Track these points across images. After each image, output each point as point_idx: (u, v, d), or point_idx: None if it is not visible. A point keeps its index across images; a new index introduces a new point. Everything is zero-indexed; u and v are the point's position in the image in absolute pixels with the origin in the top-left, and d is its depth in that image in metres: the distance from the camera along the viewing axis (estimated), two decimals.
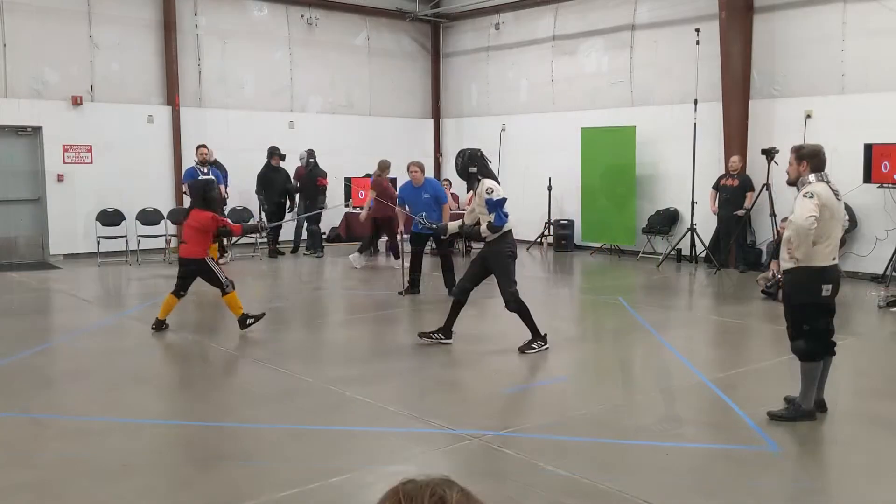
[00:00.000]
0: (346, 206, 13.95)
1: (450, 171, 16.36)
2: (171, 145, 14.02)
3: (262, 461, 4.56)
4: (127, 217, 12.94)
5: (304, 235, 14.37)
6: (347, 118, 16.16)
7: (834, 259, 5.14)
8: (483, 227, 6.87)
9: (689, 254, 12.68)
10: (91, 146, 13.17)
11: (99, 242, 12.47)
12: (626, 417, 5.31)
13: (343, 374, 6.34)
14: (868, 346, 7.50)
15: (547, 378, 6.37)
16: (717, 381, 6.09)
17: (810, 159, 5.12)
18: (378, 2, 16.37)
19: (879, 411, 5.50)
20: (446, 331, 7.19)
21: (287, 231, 14.33)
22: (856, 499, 4.18)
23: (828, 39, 11.44)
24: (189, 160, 13.16)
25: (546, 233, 14.82)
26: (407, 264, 10.19)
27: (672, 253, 12.87)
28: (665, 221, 13.37)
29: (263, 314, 7.78)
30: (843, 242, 5.65)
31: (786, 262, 5.16)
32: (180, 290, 7.72)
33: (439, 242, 9.95)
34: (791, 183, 5.27)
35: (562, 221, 14.62)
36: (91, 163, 13.05)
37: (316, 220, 13.98)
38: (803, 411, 5.16)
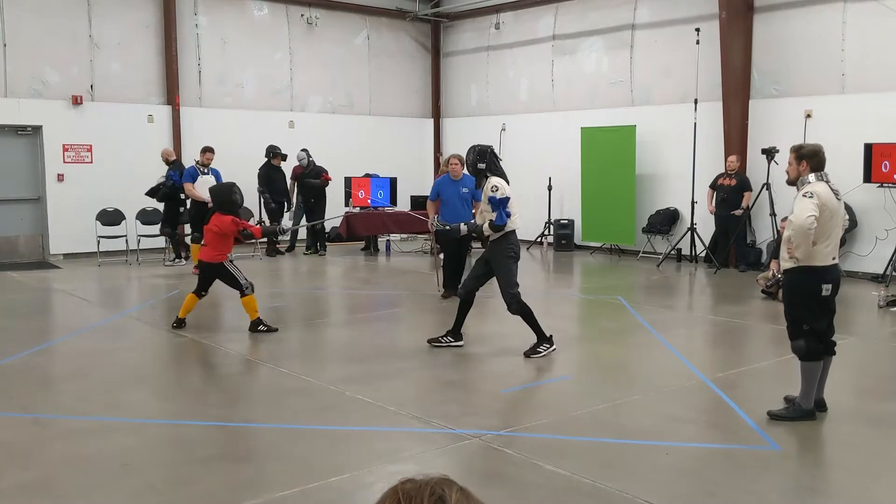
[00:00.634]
0: (347, 206, 13.97)
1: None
2: (171, 145, 14.00)
3: (262, 461, 4.56)
4: (127, 217, 12.95)
5: (302, 235, 14.37)
6: (347, 118, 16.17)
7: (834, 259, 5.15)
8: (485, 225, 6.82)
9: (689, 253, 12.69)
10: (91, 146, 13.17)
11: (99, 242, 12.47)
12: (626, 417, 5.31)
13: (343, 374, 6.35)
14: (868, 346, 7.50)
15: (547, 378, 6.37)
16: (718, 381, 6.09)
17: (810, 159, 5.12)
18: (378, 1, 16.38)
19: (879, 411, 5.50)
20: (455, 333, 7.09)
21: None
22: (856, 498, 4.18)
23: (828, 39, 11.44)
24: (190, 160, 13.16)
25: (546, 232, 14.82)
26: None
27: (672, 252, 12.87)
28: (665, 221, 13.37)
29: (276, 329, 7.76)
30: (843, 242, 5.65)
31: (786, 262, 5.16)
32: (201, 290, 7.77)
33: (460, 241, 9.58)
34: (791, 183, 5.27)
35: (562, 221, 14.62)
36: (91, 162, 13.06)
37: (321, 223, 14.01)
38: (803, 411, 5.16)
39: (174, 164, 12.45)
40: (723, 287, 10.85)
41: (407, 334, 8.18)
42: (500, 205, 6.66)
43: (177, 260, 12.50)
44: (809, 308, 5.14)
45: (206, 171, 12.04)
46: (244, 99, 14.91)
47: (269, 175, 13.65)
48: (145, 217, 13.13)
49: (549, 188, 14.62)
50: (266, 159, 13.71)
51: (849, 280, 9.90)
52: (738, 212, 11.84)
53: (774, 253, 9.42)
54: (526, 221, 13.94)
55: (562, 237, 14.55)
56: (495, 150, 7.02)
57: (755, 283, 10.01)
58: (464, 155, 9.30)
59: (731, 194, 11.92)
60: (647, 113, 13.60)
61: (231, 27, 14.67)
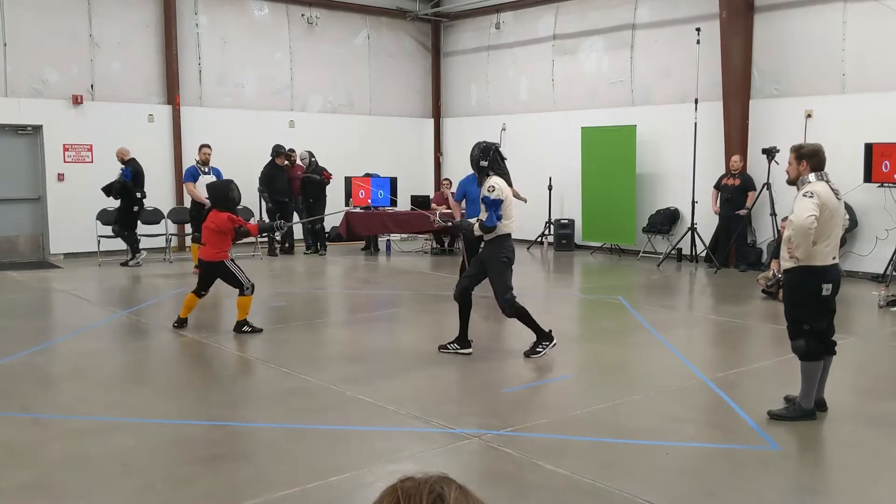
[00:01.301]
0: (347, 206, 13.97)
1: (450, 170, 16.39)
2: (171, 144, 14.03)
3: (262, 460, 4.56)
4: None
5: (300, 234, 14.37)
6: (348, 117, 16.17)
7: (834, 258, 5.14)
8: (476, 225, 6.67)
9: (689, 253, 12.68)
10: (91, 145, 13.18)
11: (99, 242, 12.46)
12: (626, 417, 5.30)
13: (343, 374, 6.34)
14: (868, 346, 7.50)
15: (547, 377, 6.36)
16: (718, 381, 6.09)
17: (810, 159, 5.12)
18: (378, 1, 16.38)
19: (880, 411, 5.50)
20: (462, 340, 6.90)
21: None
22: (856, 498, 4.18)
23: (828, 39, 11.44)
24: (189, 159, 13.17)
25: (546, 232, 14.82)
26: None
27: (672, 252, 12.87)
28: (665, 221, 13.37)
29: (261, 330, 7.74)
30: (843, 242, 5.65)
31: (786, 262, 5.16)
32: (201, 290, 7.74)
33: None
34: (791, 182, 5.27)
35: (562, 221, 14.62)
36: (91, 162, 13.06)
37: (319, 219, 14.00)
38: (804, 411, 5.16)
39: (129, 163, 12.30)
40: (723, 287, 10.85)
41: (407, 334, 8.19)
42: (493, 206, 6.48)
43: (131, 261, 12.26)
44: (810, 308, 5.14)
45: (206, 170, 12.03)
46: (244, 98, 14.91)
47: (272, 174, 13.63)
48: (146, 217, 13.12)
49: (550, 188, 14.62)
50: (270, 158, 13.69)
51: (849, 280, 9.89)
52: (743, 212, 11.84)
53: (775, 253, 9.42)
54: (526, 221, 14.00)
55: (562, 237, 14.55)
56: (500, 149, 6.79)
57: (755, 283, 10.00)
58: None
59: (734, 194, 11.91)
60: (647, 113, 13.59)
61: (231, 27, 14.67)
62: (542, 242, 14.95)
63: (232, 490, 4.15)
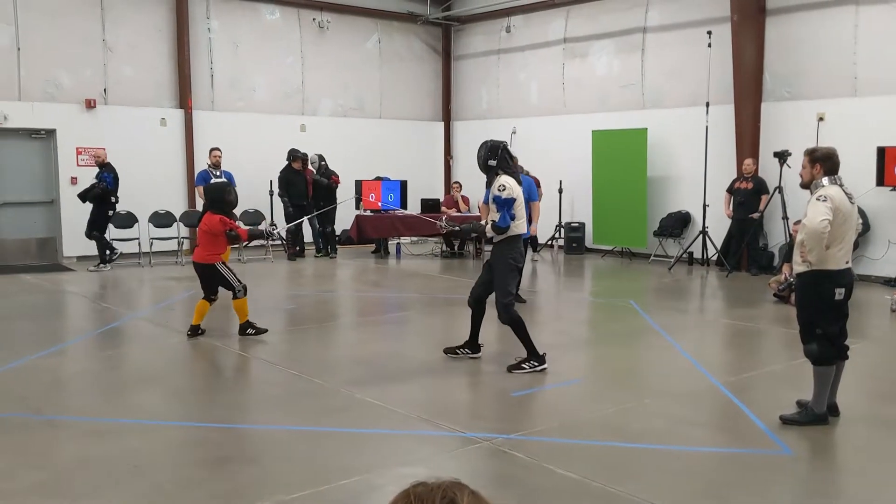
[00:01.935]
0: (357, 208, 14.00)
1: (461, 174, 16.40)
2: (183, 148, 14.10)
3: (272, 463, 4.57)
4: (139, 219, 13.02)
5: (309, 238, 14.40)
6: (358, 121, 16.21)
7: (847, 262, 5.11)
8: (488, 226, 6.50)
9: (700, 257, 12.64)
10: (104, 149, 13.24)
11: (112, 244, 12.53)
12: (636, 421, 5.29)
13: (353, 377, 6.35)
14: (881, 350, 7.45)
15: (557, 381, 6.35)
16: (729, 385, 6.07)
17: (824, 162, 5.10)
18: (389, 5, 16.42)
19: (892, 415, 5.47)
20: (472, 345, 6.78)
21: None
22: (868, 503, 4.16)
23: (840, 42, 11.38)
24: (202, 163, 13.24)
25: (557, 235, 14.80)
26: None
27: (684, 256, 12.83)
28: (676, 224, 13.33)
29: (266, 330, 7.74)
30: (855, 246, 5.62)
31: (799, 266, 5.13)
32: (210, 295, 7.70)
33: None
34: (804, 186, 5.24)
35: (573, 224, 14.60)
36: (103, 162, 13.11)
37: (330, 222, 14.02)
38: (816, 415, 5.13)
39: (107, 167, 12.29)
40: (734, 290, 10.80)
41: (416, 337, 8.19)
42: (505, 206, 6.27)
43: (101, 265, 12.21)
44: (822, 312, 5.11)
45: (217, 173, 12.09)
46: (256, 102, 14.97)
47: (289, 178, 13.67)
48: (158, 220, 13.20)
49: (560, 191, 14.60)
50: (287, 163, 13.74)
51: (861, 284, 9.83)
52: (756, 215, 11.79)
53: (787, 256, 9.38)
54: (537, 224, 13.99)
55: (573, 240, 14.53)
56: (508, 147, 6.57)
57: (767, 287, 9.96)
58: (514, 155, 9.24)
59: (748, 198, 11.86)
60: (658, 116, 13.56)
61: (243, 31, 14.74)
62: (552, 245, 14.94)
63: (241, 492, 4.16)
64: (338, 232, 14.49)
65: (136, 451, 4.77)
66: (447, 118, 17.58)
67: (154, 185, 13.50)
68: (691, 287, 11.47)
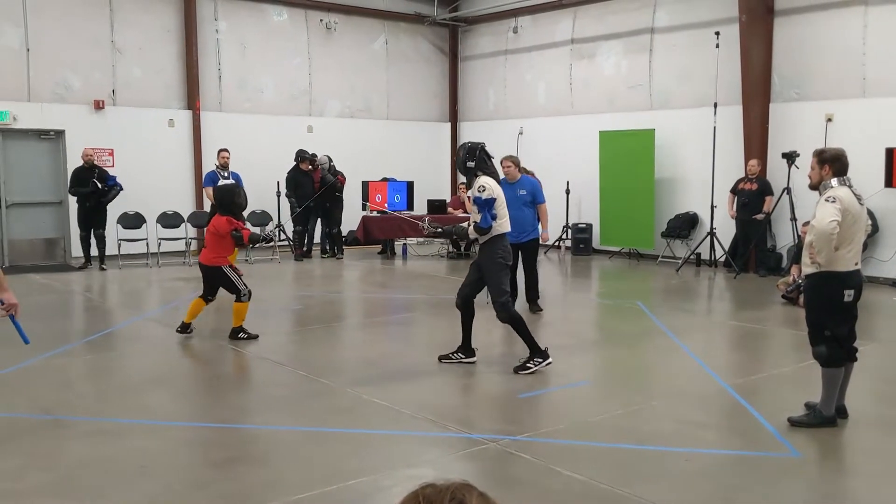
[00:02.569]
0: (364, 210, 14.02)
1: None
2: (191, 149, 14.15)
3: (280, 463, 4.58)
4: (148, 220, 13.06)
5: (317, 239, 14.43)
6: (365, 122, 16.23)
7: (856, 264, 5.09)
8: (470, 228, 6.50)
9: (708, 258, 12.61)
10: (113, 150, 13.31)
11: (120, 245, 12.58)
12: (644, 422, 5.27)
13: (360, 377, 6.36)
14: (890, 352, 7.41)
15: (564, 382, 6.34)
16: (737, 387, 6.05)
17: (832, 163, 5.08)
18: (396, 6, 16.44)
19: None
20: (466, 349, 6.75)
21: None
22: None
23: (849, 42, 11.34)
24: (209, 164, 13.28)
25: (564, 236, 14.78)
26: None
27: (691, 257, 12.80)
28: (684, 225, 13.30)
29: (257, 336, 7.70)
30: (864, 247, 5.59)
31: (807, 267, 5.11)
32: (208, 295, 7.72)
33: (524, 249, 8.83)
34: (813, 187, 5.22)
35: (580, 225, 14.58)
36: (113, 166, 13.18)
37: (336, 223, 14.04)
38: (824, 417, 5.11)
39: (102, 169, 12.43)
40: (743, 292, 10.77)
41: (423, 338, 8.19)
42: (486, 206, 6.27)
43: (88, 265, 12.36)
44: (831, 313, 5.09)
45: (225, 174, 12.12)
46: (264, 103, 15.01)
47: (297, 179, 13.70)
48: (166, 221, 13.24)
49: (567, 192, 14.59)
50: (294, 163, 13.76)
51: (870, 285, 9.78)
52: (760, 216, 11.75)
53: (795, 258, 9.34)
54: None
55: (580, 241, 14.51)
56: (486, 148, 6.58)
57: (775, 289, 9.92)
58: (515, 156, 9.08)
59: (752, 199, 11.82)
60: (666, 117, 13.54)
61: (251, 32, 14.78)
62: (559, 247, 14.92)
63: (249, 493, 4.17)
64: (344, 233, 14.50)
65: (143, 451, 4.78)
66: (454, 119, 17.58)
67: (162, 186, 13.54)
68: (699, 288, 11.44)
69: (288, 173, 13.76)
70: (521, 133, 15.87)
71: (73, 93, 13.05)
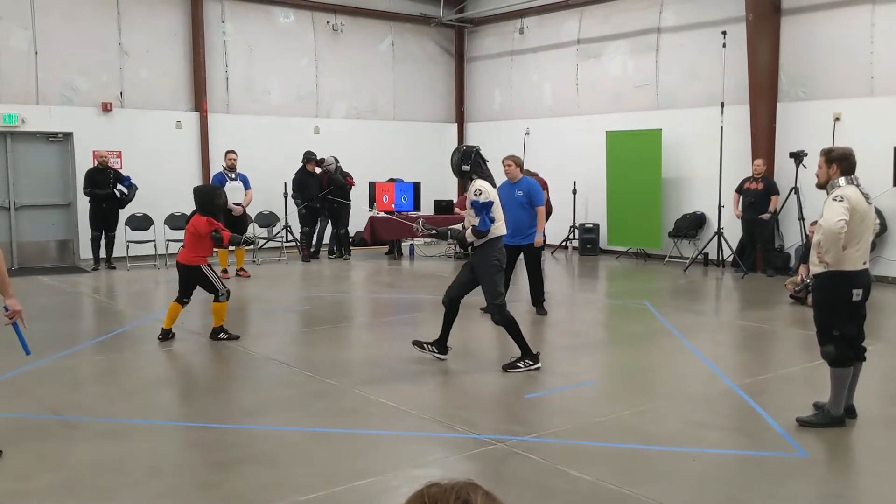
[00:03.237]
0: (371, 210, 14.03)
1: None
2: (198, 151, 14.19)
3: (287, 464, 4.58)
4: (155, 222, 13.10)
5: (326, 240, 14.45)
6: (372, 123, 16.25)
7: (865, 263, 5.07)
8: (468, 231, 6.52)
9: (716, 258, 12.57)
10: (120, 152, 13.37)
11: (128, 247, 12.63)
12: (651, 423, 5.26)
13: (366, 378, 6.37)
14: None
15: (572, 383, 6.33)
16: (745, 387, 6.03)
17: (840, 162, 5.06)
18: (403, 7, 16.45)
19: None
20: (440, 345, 6.79)
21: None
22: None
23: (856, 41, 11.30)
24: (217, 165, 13.31)
25: (571, 236, 14.76)
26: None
27: (699, 257, 12.76)
28: (692, 225, 13.27)
29: (238, 336, 7.72)
30: (872, 246, 5.57)
31: (815, 267, 5.10)
32: (183, 297, 7.69)
33: (525, 252, 8.78)
34: (820, 186, 5.20)
35: (587, 225, 14.56)
36: (121, 168, 13.23)
37: (343, 224, 14.05)
38: (833, 417, 5.09)
39: (116, 172, 12.61)
40: (750, 292, 10.74)
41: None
42: (483, 209, 6.30)
43: (101, 266, 12.49)
44: (839, 313, 5.07)
45: (233, 175, 12.15)
46: (270, 105, 15.04)
47: (304, 181, 13.72)
48: (173, 222, 13.27)
49: (574, 192, 14.57)
50: (301, 165, 13.79)
51: (878, 285, 9.75)
52: (766, 216, 11.71)
53: (803, 257, 9.30)
54: (551, 225, 13.96)
55: (587, 241, 14.49)
56: (481, 152, 6.61)
57: (783, 288, 9.89)
58: (517, 156, 9.02)
59: (758, 198, 11.78)
60: (672, 116, 13.51)
61: (258, 34, 14.82)
62: (566, 247, 14.90)
63: (257, 493, 4.18)
64: (351, 234, 14.52)
65: (151, 451, 4.80)
66: (460, 120, 17.58)
67: (169, 188, 13.57)
68: (706, 288, 11.41)
69: (295, 175, 13.79)
70: (527, 133, 15.87)
71: (81, 95, 13.11)
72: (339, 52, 15.76)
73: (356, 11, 15.85)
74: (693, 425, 5.22)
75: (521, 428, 5.15)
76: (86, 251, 13.04)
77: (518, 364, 6.47)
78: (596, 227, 14.48)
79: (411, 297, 10.67)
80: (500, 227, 6.51)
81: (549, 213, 13.74)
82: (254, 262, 13.11)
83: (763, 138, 12.11)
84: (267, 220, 13.96)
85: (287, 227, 13.90)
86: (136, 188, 12.59)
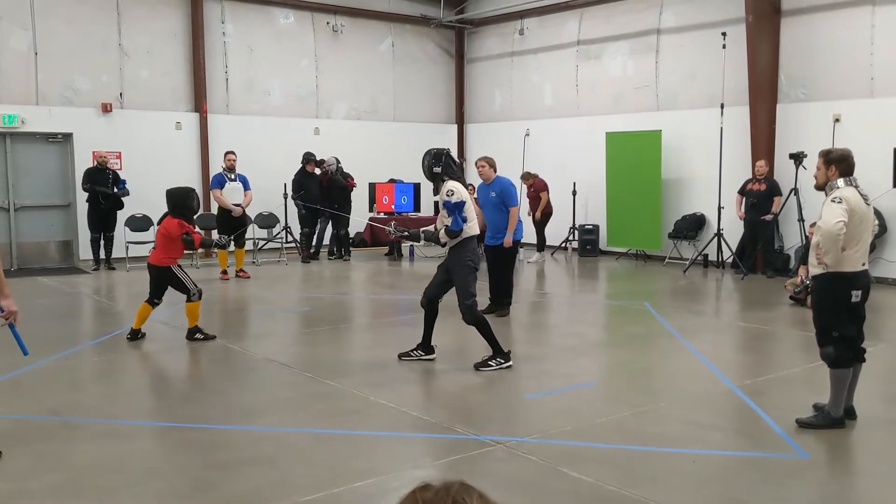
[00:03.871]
0: (371, 212, 14.03)
1: (473, 176, 16.37)
2: (198, 152, 14.19)
3: (286, 465, 4.58)
4: (155, 223, 13.08)
5: (326, 240, 14.45)
6: (372, 124, 16.25)
7: (864, 264, 5.08)
8: (441, 231, 6.59)
9: (716, 259, 12.57)
10: (120, 152, 13.37)
11: (128, 248, 12.63)
12: (651, 424, 5.26)
13: (366, 379, 6.36)
14: None
15: (572, 384, 6.33)
16: (745, 388, 6.03)
17: (839, 164, 5.06)
18: (403, 8, 16.46)
19: None
20: (426, 346, 6.90)
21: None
22: None
23: (856, 42, 11.30)
24: (216, 166, 13.30)
25: (571, 237, 14.76)
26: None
27: (699, 258, 12.76)
28: (691, 226, 13.27)
29: (214, 337, 7.72)
30: (872, 248, 5.57)
31: (815, 268, 5.10)
32: (154, 298, 7.70)
33: (500, 252, 8.81)
34: (819, 188, 5.20)
35: (587, 226, 14.56)
36: (120, 169, 13.23)
37: (344, 225, 14.05)
38: (832, 419, 5.09)
39: (114, 173, 12.66)
40: (750, 293, 10.74)
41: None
42: (456, 209, 6.40)
43: (100, 267, 12.52)
44: (839, 314, 5.07)
45: (232, 176, 12.15)
46: (271, 106, 15.04)
47: (303, 182, 13.72)
48: None
49: (574, 193, 14.57)
50: (301, 165, 13.79)
51: (878, 286, 9.75)
52: (768, 217, 11.71)
53: (803, 259, 9.31)
54: (551, 226, 13.98)
55: (587, 242, 14.49)
56: (452, 154, 6.77)
57: (783, 289, 9.89)
58: (491, 157, 9.08)
59: (760, 199, 11.78)
60: (672, 117, 13.51)
61: (258, 35, 14.82)
62: (566, 248, 14.90)
63: (257, 494, 4.18)
64: (351, 235, 14.51)
65: (151, 452, 4.80)
66: (460, 121, 17.59)
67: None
68: (706, 289, 11.41)
69: (294, 175, 13.79)
70: (527, 134, 15.87)
71: (81, 96, 13.11)
72: (339, 52, 15.76)
73: (356, 12, 15.86)
74: (693, 426, 5.22)
75: (521, 429, 5.15)
76: (86, 252, 13.04)
77: (490, 362, 6.55)
78: (596, 228, 14.48)
79: (411, 298, 10.65)
80: (472, 227, 6.59)
81: (549, 213, 13.85)
82: (253, 262, 13.11)
83: (763, 139, 12.12)
84: (267, 220, 13.95)
85: (287, 228, 13.90)
86: (128, 192, 12.64)
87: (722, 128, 12.27)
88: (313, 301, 10.28)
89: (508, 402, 5.93)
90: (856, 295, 5.03)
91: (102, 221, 12.50)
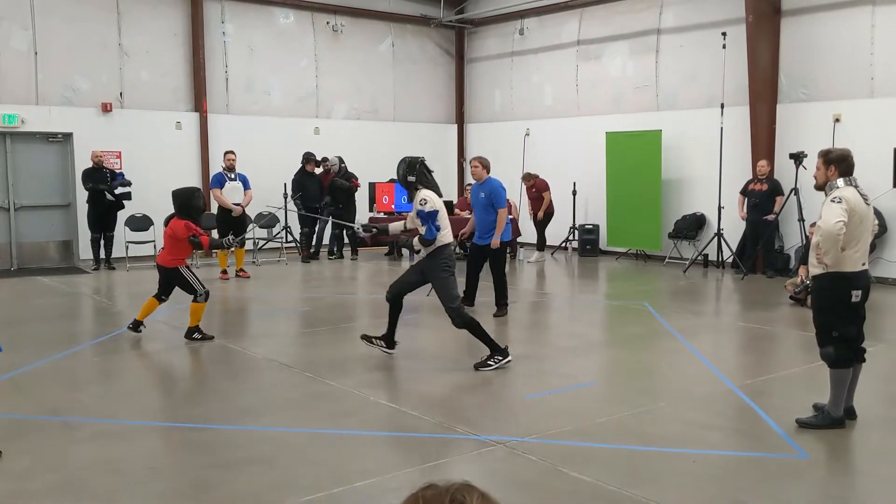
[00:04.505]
0: (371, 211, 14.03)
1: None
2: (198, 151, 14.19)
3: (287, 465, 4.59)
4: (155, 222, 13.09)
5: (326, 240, 14.45)
6: (372, 124, 16.25)
7: (864, 264, 5.08)
8: (415, 239, 6.66)
9: (716, 259, 12.58)
10: (120, 152, 13.38)
11: (128, 247, 12.63)
12: (651, 424, 5.27)
13: (367, 379, 6.37)
14: None
15: (572, 384, 6.33)
16: (745, 388, 6.03)
17: (838, 164, 5.06)
18: (403, 8, 16.46)
19: None
20: (388, 340, 6.98)
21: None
22: None
23: (857, 43, 11.30)
24: (216, 166, 13.31)
25: (571, 237, 14.77)
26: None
27: (699, 258, 12.77)
28: (691, 226, 13.28)
29: (212, 337, 7.74)
30: (872, 248, 5.57)
31: (815, 268, 5.10)
32: (162, 294, 7.80)
33: (489, 253, 8.81)
34: (819, 188, 5.21)
35: (587, 226, 14.56)
36: (120, 169, 13.23)
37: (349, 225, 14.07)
38: (832, 419, 5.09)
39: (111, 172, 12.69)
40: (750, 293, 10.74)
41: (429, 339, 8.19)
42: (429, 218, 6.47)
43: (100, 267, 12.56)
44: (839, 314, 5.07)
45: (232, 176, 12.15)
46: (271, 106, 15.05)
47: (303, 182, 13.73)
48: None
49: (574, 193, 14.58)
50: (301, 165, 13.80)
51: (878, 286, 9.75)
52: (770, 217, 11.71)
53: (803, 259, 9.31)
54: (551, 226, 13.98)
55: (586, 242, 14.50)
56: (426, 162, 6.82)
57: (783, 289, 9.89)
58: (484, 158, 9.08)
59: (762, 199, 11.79)
60: (672, 118, 13.52)
61: (258, 35, 14.82)
62: (566, 248, 14.91)
63: (257, 494, 4.18)
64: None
65: (151, 452, 4.80)
66: (460, 121, 17.59)
67: (169, 188, 13.36)
68: (706, 289, 11.41)
69: (294, 175, 13.79)
70: (527, 134, 15.87)
71: (81, 96, 13.11)
72: (339, 52, 15.76)
73: (356, 12, 15.86)
74: (693, 426, 5.22)
75: (521, 429, 5.15)
76: (86, 252, 13.04)
77: (489, 361, 6.55)
78: (596, 228, 14.49)
79: (411, 299, 10.62)
80: (446, 235, 6.64)
81: (550, 214, 13.85)
82: (253, 262, 13.12)
83: (763, 139, 12.12)
84: (267, 221, 13.96)
85: (287, 228, 13.91)
86: (129, 182, 12.65)
87: (722, 128, 12.27)
88: (313, 301, 10.28)
89: (508, 402, 5.93)
90: (856, 295, 5.03)
91: (102, 221, 12.52)
